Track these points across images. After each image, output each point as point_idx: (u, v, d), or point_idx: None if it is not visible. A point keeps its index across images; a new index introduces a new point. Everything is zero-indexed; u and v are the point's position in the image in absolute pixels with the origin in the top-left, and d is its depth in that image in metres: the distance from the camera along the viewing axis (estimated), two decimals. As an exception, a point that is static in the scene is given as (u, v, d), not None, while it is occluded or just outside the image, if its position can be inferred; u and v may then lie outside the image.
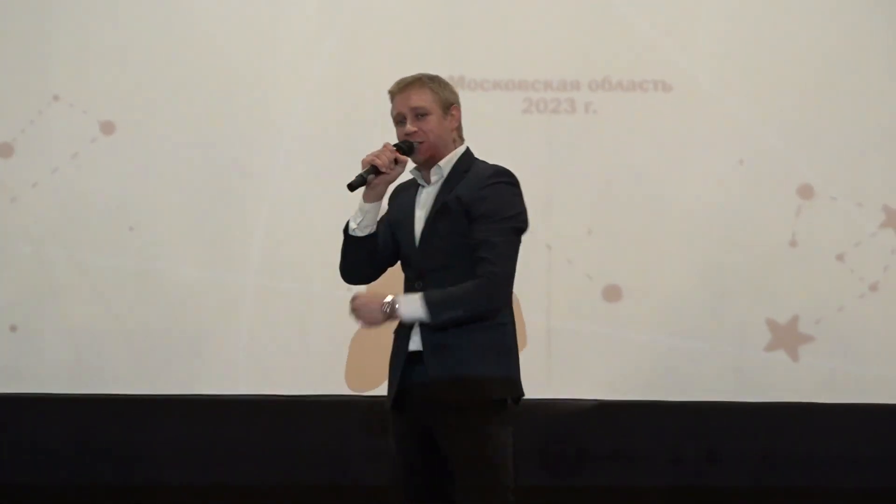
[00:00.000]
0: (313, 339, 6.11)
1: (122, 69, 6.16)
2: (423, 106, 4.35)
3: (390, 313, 4.18)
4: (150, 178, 6.15)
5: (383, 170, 4.26)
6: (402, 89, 4.38)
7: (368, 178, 4.25)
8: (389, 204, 4.45)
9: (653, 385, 6.03)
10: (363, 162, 4.25)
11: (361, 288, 4.61)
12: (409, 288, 4.30)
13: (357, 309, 4.22)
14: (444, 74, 5.96)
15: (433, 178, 4.38)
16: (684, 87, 6.09)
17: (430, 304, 4.17)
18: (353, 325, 5.90)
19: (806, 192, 6.07)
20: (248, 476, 6.11)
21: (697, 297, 6.06)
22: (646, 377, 6.03)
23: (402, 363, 4.28)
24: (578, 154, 6.08)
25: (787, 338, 6.06)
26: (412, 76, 4.44)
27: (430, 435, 4.32)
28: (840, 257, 6.07)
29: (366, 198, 4.29)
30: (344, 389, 6.09)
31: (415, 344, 4.26)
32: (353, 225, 4.31)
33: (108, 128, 6.16)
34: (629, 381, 6.04)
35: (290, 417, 6.11)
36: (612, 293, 6.06)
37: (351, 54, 6.15)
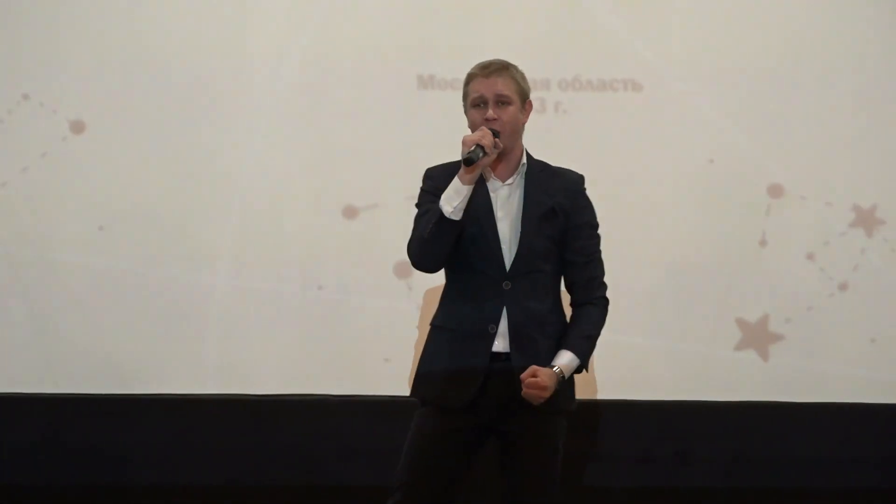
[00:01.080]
0: (284, 339, 6.10)
1: (93, 68, 6.13)
2: (508, 94, 4.34)
3: (561, 383, 4.26)
4: (120, 177, 6.12)
5: (488, 151, 4.22)
6: (489, 74, 4.34)
7: (479, 157, 4.21)
8: (438, 185, 4.33)
9: (622, 385, 6.03)
10: (466, 142, 4.20)
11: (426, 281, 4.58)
12: (489, 287, 4.29)
13: (546, 391, 4.20)
14: (414, 74, 6.11)
15: (514, 176, 4.39)
16: (654, 86, 6.08)
17: (583, 356, 4.33)
18: (329, 325, 6.04)
19: (776, 191, 6.08)
20: (220, 476, 6.10)
21: (667, 297, 6.06)
22: (615, 377, 6.02)
23: (485, 364, 4.28)
24: (548, 153, 5.96)
25: (758, 337, 6.07)
26: (499, 61, 4.41)
27: (482, 438, 4.35)
28: (810, 256, 6.08)
29: (464, 180, 4.20)
30: (318, 389, 6.08)
31: (501, 345, 4.28)
32: (448, 208, 4.20)
33: (78, 127, 6.14)
34: (599, 380, 6.04)
35: (261, 417, 6.09)
36: (583, 291, 6.06)
37: (322, 54, 6.13)
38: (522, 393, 4.18)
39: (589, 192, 5.99)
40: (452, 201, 4.21)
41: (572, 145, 6.06)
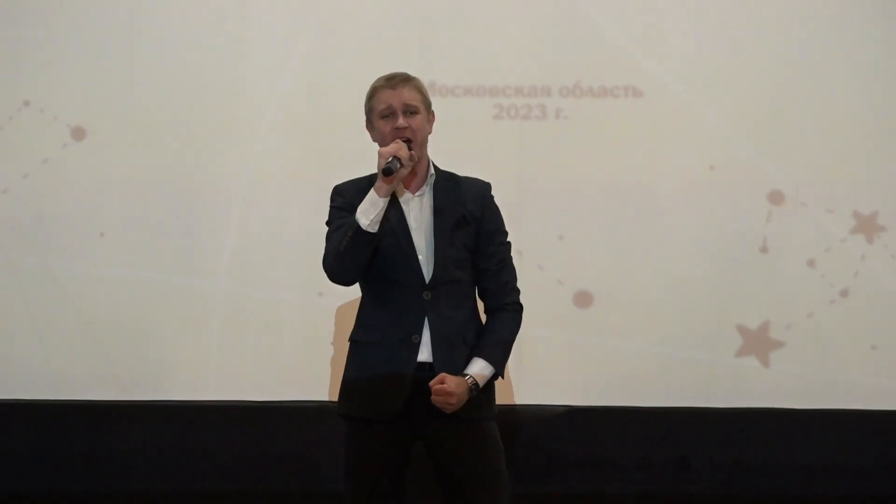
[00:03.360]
0: (284, 345, 6.10)
1: (93, 74, 6.13)
2: (415, 104, 4.40)
3: (475, 391, 4.29)
4: (120, 184, 6.12)
5: (404, 162, 4.26)
6: (394, 85, 4.41)
7: (397, 168, 4.24)
8: (349, 201, 4.40)
9: (623, 391, 6.03)
10: (383, 154, 4.25)
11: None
12: (409, 298, 4.33)
13: (453, 397, 4.25)
14: (414, 80, 6.09)
15: (423, 187, 4.43)
16: (655, 93, 6.09)
17: (497, 364, 4.36)
18: (329, 332, 6.03)
19: (776, 198, 6.08)
20: (220, 482, 6.10)
21: (668, 303, 6.06)
22: (616, 383, 6.03)
23: (411, 373, 4.29)
24: (549, 160, 6.09)
25: (758, 343, 6.07)
26: (400, 73, 4.47)
27: (411, 446, 4.36)
28: (811, 263, 6.07)
29: (380, 192, 4.25)
30: (318, 395, 6.07)
31: (425, 355, 4.30)
32: (364, 221, 4.24)
33: (78, 133, 6.14)
34: (599, 387, 6.05)
35: (260, 423, 6.09)
36: (582, 299, 6.07)
37: (322, 61, 6.14)
38: (432, 399, 4.23)
39: (588, 197, 6.07)
40: (369, 214, 4.26)
41: (573, 151, 6.08)
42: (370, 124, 4.50)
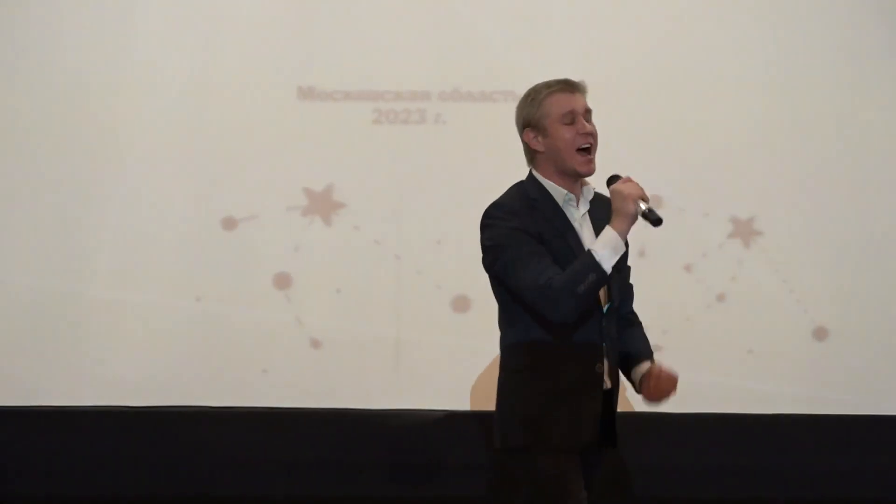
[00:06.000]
0: (162, 350, 6.08)
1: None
2: (591, 110, 4.17)
3: None
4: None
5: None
6: (573, 89, 4.14)
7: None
8: (528, 224, 4.08)
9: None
10: (631, 196, 4.04)
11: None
12: (589, 324, 4.08)
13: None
14: (294, 85, 6.11)
15: (587, 205, 4.22)
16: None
17: None
18: (207, 337, 6.00)
19: (654, 202, 6.08)
20: (96, 488, 6.08)
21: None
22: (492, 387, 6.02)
23: (600, 401, 4.13)
24: (428, 164, 6.10)
25: (636, 348, 6.10)
26: (570, 79, 4.22)
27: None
28: (688, 268, 6.12)
29: (623, 236, 4.02)
30: (196, 400, 6.06)
31: (609, 383, 4.17)
32: (608, 267, 3.97)
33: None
34: (476, 390, 6.05)
35: (138, 429, 6.09)
36: (461, 304, 6.06)
37: (202, 65, 6.13)
38: (659, 394, 4.25)
39: (466, 201, 5.81)
40: (611, 259, 3.99)
41: (452, 155, 6.18)
42: (537, 131, 4.16)
